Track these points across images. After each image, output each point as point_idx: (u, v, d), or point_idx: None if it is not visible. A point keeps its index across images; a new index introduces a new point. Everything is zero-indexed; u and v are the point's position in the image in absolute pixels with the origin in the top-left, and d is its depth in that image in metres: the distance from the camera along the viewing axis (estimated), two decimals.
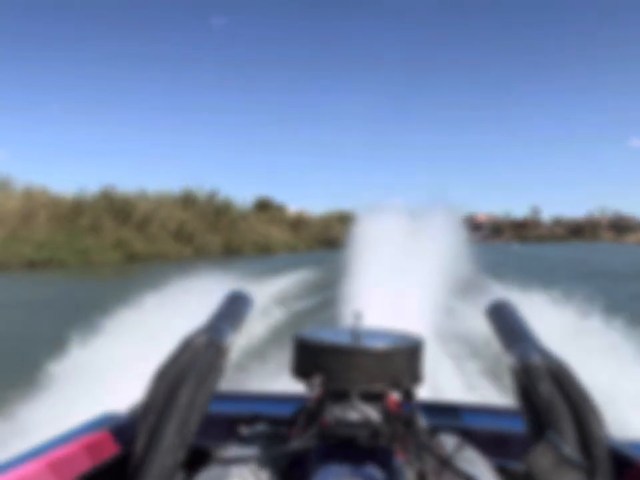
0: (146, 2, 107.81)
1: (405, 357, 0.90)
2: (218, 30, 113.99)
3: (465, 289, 7.63)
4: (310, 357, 0.92)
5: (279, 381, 4.01)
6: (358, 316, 0.96)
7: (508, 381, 3.19)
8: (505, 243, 77.02)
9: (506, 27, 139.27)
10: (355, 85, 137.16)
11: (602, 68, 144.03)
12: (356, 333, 0.94)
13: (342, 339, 0.93)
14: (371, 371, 0.87)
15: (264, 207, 50.33)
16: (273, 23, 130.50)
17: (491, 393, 4.44)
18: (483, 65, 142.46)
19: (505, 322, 1.12)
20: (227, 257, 30.87)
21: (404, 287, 6.02)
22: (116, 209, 28.95)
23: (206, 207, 35.33)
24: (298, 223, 49.05)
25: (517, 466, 1.13)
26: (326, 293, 9.44)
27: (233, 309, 1.17)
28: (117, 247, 25.92)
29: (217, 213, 35.59)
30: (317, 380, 0.87)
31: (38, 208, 25.27)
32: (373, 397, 0.91)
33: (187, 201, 35.00)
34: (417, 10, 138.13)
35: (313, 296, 10.26)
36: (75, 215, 26.58)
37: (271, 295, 9.58)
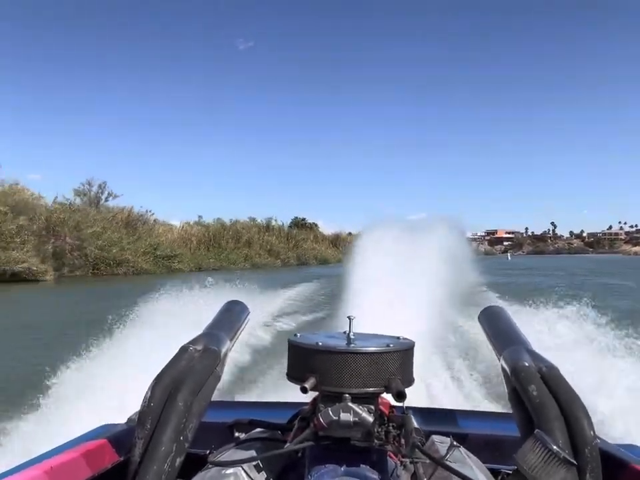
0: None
1: (397, 359, 0.91)
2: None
3: (462, 299, 7.77)
4: (304, 360, 0.93)
5: (279, 392, 4.02)
6: (351, 320, 0.97)
7: (500, 387, 3.24)
8: (500, 256, 77.34)
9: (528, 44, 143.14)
10: (374, 105, 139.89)
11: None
12: (348, 337, 0.95)
13: (335, 342, 0.93)
14: (364, 372, 0.89)
15: (300, 225, 63.46)
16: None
17: (484, 398, 4.42)
18: (503, 83, 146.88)
19: (497, 326, 1.14)
20: (300, 266, 45.41)
21: (402, 297, 5.92)
22: (231, 234, 43.58)
23: (279, 231, 51.60)
24: (336, 240, 61.49)
25: (510, 469, 1.09)
26: (331, 304, 9.45)
27: (230, 318, 1.18)
28: (246, 259, 41.89)
29: (288, 235, 52.40)
30: (311, 382, 0.88)
31: (190, 235, 40.44)
32: (366, 399, 0.91)
33: (268, 226, 50.80)
34: (439, 29, 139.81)
35: (318, 308, 10.22)
36: (210, 239, 41.38)
37: (281, 305, 9.93)
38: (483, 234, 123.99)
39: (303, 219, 66.95)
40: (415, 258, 7.26)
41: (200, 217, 46.64)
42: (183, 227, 42.59)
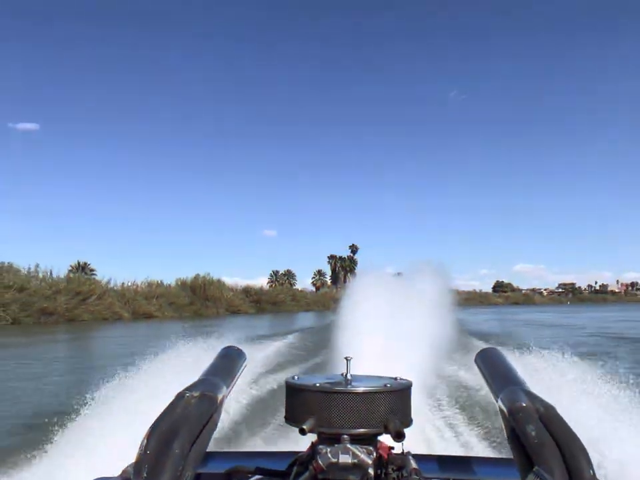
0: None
1: (394, 399, 0.89)
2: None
3: (450, 347, 7.79)
4: (302, 402, 0.90)
5: (279, 442, 3.96)
6: (348, 361, 0.95)
7: (494, 431, 3.49)
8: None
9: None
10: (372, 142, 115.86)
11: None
12: (346, 378, 0.93)
13: (332, 383, 0.91)
14: (362, 413, 0.86)
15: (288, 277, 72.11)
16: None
17: (479, 443, 4.37)
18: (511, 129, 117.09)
19: (494, 368, 1.13)
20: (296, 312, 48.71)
21: (393, 344, 5.76)
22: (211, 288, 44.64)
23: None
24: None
25: None
26: (323, 353, 9.26)
27: (227, 364, 1.15)
28: (228, 307, 44.85)
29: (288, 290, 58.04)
30: (309, 423, 0.86)
31: (166, 291, 41.65)
32: (365, 440, 0.88)
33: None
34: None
35: (311, 357, 10.12)
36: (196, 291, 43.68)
37: (271, 355, 9.77)
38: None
39: (289, 271, 72.27)
40: (404, 305, 7.36)
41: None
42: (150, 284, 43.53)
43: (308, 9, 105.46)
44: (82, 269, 47.41)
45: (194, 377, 1.03)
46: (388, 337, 6.01)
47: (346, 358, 0.96)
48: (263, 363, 8.80)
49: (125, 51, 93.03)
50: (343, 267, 79.40)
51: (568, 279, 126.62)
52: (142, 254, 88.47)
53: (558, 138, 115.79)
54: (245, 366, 1.23)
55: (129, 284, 41.32)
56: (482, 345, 9.67)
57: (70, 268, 45.55)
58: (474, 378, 6.12)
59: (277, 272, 74.86)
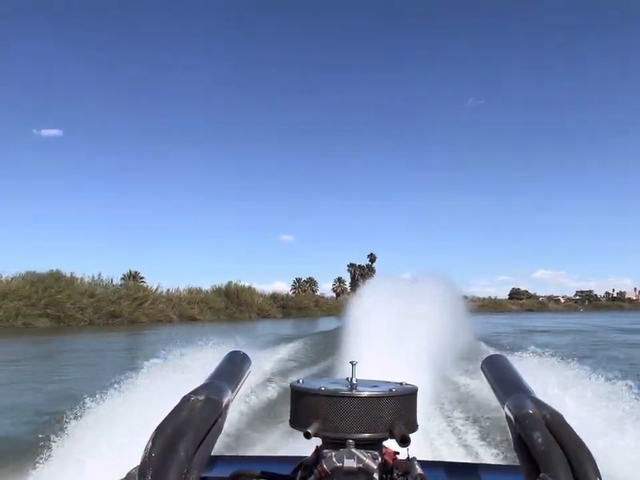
0: None
1: (400, 404, 0.87)
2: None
3: (458, 353, 7.80)
4: (307, 405, 0.89)
5: (286, 447, 3.88)
6: (353, 365, 0.94)
7: (500, 438, 3.67)
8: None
9: None
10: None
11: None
12: (351, 382, 0.91)
13: (338, 387, 0.89)
14: (367, 417, 0.85)
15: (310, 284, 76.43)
16: None
17: (484, 450, 4.35)
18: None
19: (500, 374, 1.11)
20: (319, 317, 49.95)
21: (399, 352, 5.76)
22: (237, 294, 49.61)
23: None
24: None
25: None
26: (331, 357, 9.23)
27: (232, 369, 1.14)
28: (259, 312, 49.15)
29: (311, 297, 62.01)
30: (314, 427, 0.85)
31: (204, 297, 46.49)
32: (370, 445, 0.87)
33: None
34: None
35: (318, 362, 10.01)
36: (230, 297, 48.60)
37: (281, 359, 9.77)
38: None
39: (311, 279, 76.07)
40: (411, 313, 7.23)
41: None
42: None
43: (324, 13, 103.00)
44: (133, 277, 52.34)
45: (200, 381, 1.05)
46: (395, 342, 5.88)
47: (351, 362, 0.95)
48: (271, 367, 8.71)
49: (131, 53, 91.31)
50: (362, 275, 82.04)
51: (588, 286, 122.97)
52: (161, 257, 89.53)
53: (582, 140, 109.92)
54: (250, 371, 1.22)
55: (173, 290, 45.68)
56: (490, 351, 9.69)
57: (122, 276, 50.84)
58: (480, 384, 5.88)
59: (300, 279, 79.67)
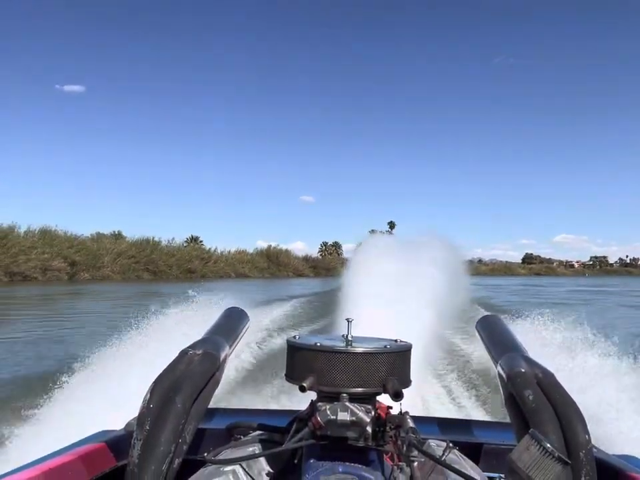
0: None
1: (394, 360, 0.88)
2: None
3: (455, 314, 7.66)
4: (302, 360, 0.89)
5: (281, 400, 3.81)
6: (349, 322, 0.94)
7: (493, 397, 3.82)
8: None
9: None
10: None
11: None
12: (347, 338, 0.92)
13: (333, 343, 0.89)
14: (361, 372, 0.85)
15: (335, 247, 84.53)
16: None
17: (477, 408, 4.33)
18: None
19: (494, 334, 1.13)
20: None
21: (396, 310, 5.61)
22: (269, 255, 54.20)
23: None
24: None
25: (502, 476, 1.06)
26: (325, 319, 9.06)
27: (230, 325, 1.16)
28: (294, 271, 54.93)
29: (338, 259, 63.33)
30: (309, 381, 0.85)
31: (251, 258, 52.71)
32: (364, 399, 0.87)
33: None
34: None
35: (313, 321, 10.00)
36: (270, 258, 54.07)
37: (276, 318, 9.48)
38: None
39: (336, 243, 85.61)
40: (409, 272, 7.15)
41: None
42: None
43: None
44: (194, 240, 60.32)
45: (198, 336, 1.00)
46: (391, 301, 5.86)
47: (347, 319, 0.93)
48: (271, 323, 8.82)
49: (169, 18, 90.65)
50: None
51: (610, 252, 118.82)
52: (189, 216, 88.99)
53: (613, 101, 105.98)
54: (248, 327, 1.21)
55: (226, 252, 51.69)
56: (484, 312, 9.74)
57: (186, 239, 59.40)
58: (474, 344, 6.06)
59: (326, 243, 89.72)
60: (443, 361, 6.16)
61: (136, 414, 0.86)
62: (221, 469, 0.84)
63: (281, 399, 4.14)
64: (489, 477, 1.03)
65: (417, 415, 1.09)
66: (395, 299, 6.08)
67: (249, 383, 5.03)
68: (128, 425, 1.13)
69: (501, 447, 1.19)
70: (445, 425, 1.40)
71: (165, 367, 0.90)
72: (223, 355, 0.97)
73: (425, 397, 4.48)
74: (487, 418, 3.85)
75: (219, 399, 1.05)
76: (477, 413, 4.20)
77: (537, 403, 0.84)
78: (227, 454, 0.92)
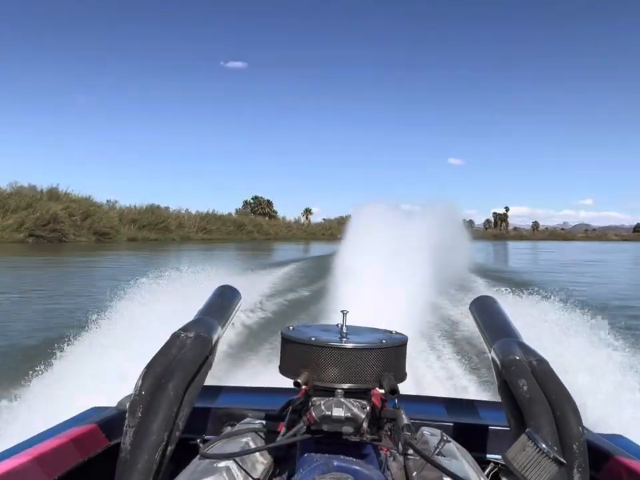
0: None
1: (390, 355, 0.85)
2: None
3: (453, 284, 7.32)
4: (297, 355, 0.86)
5: (270, 373, 3.46)
6: (344, 314, 0.91)
7: (489, 376, 3.53)
8: None
9: None
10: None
11: None
12: (342, 331, 0.88)
13: (328, 337, 0.86)
14: (357, 369, 0.83)
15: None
16: None
17: (474, 387, 4.14)
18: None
19: (489, 317, 1.08)
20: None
21: (392, 280, 5.51)
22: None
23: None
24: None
25: (498, 459, 1.05)
26: (319, 283, 8.61)
27: (221, 304, 1.11)
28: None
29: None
30: (304, 377, 0.82)
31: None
32: (359, 394, 0.84)
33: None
34: None
35: (307, 287, 9.54)
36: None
37: (269, 283, 9.20)
38: None
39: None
40: (406, 242, 6.74)
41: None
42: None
43: None
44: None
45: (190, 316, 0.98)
46: (389, 271, 5.61)
47: (342, 311, 0.90)
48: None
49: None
50: (502, 220, 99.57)
51: None
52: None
53: None
54: (240, 305, 1.18)
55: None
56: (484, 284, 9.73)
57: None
58: (469, 319, 4.99)
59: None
60: (440, 334, 6.05)
61: (128, 392, 0.86)
62: (215, 465, 0.82)
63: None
64: (483, 459, 1.04)
65: (411, 393, 1.09)
66: (392, 269, 6.05)
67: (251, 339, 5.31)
68: (120, 403, 1.11)
69: (496, 428, 1.16)
70: (441, 406, 1.36)
71: (156, 350, 0.87)
72: (215, 337, 0.95)
73: (421, 373, 4.49)
74: (483, 396, 3.73)
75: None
76: (471, 390, 4.16)
77: (531, 393, 0.84)
78: (220, 447, 0.89)
